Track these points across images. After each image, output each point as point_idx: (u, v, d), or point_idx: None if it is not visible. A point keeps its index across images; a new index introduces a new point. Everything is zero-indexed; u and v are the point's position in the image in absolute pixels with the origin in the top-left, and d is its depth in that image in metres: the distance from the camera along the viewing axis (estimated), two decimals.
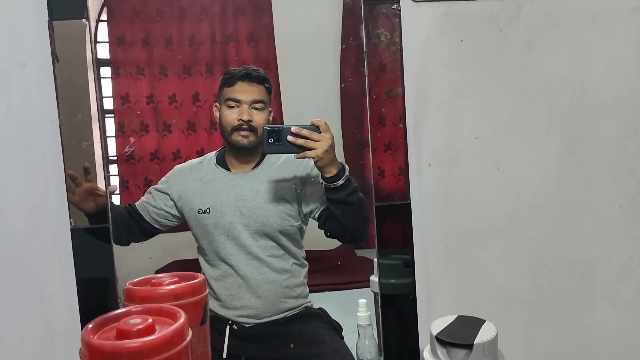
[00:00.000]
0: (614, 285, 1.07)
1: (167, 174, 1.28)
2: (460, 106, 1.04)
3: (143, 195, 1.27)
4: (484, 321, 0.69)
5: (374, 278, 1.08)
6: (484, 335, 0.65)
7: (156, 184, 1.28)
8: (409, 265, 0.97)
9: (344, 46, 1.39)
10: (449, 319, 0.71)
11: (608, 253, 1.07)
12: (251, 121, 1.21)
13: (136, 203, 1.26)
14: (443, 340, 0.65)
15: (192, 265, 1.27)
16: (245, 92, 1.21)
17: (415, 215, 0.97)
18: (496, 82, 1.03)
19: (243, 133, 1.21)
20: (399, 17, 0.95)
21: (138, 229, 1.24)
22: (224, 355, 1.17)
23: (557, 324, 1.07)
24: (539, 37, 1.03)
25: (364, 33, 0.93)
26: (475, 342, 0.64)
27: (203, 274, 1.24)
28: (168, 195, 1.25)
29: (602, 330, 1.08)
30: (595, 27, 1.03)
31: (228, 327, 1.21)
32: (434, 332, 0.67)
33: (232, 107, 1.21)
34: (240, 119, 1.20)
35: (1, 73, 0.98)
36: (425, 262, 1.02)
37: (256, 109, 1.22)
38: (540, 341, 1.07)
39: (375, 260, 1.06)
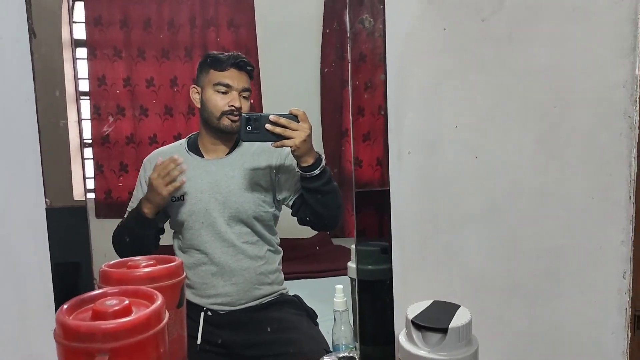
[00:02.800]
0: (584, 272, 1.10)
1: (141, 168, 1.27)
2: (440, 95, 1.04)
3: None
4: (459, 306, 0.71)
5: (352, 264, 1.09)
6: (459, 319, 0.66)
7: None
8: (387, 251, 0.98)
9: (327, 31, 1.38)
10: (425, 303, 0.72)
11: (580, 241, 1.09)
12: (241, 108, 1.20)
13: (128, 210, 1.25)
14: (418, 324, 0.66)
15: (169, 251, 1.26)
16: (236, 79, 1.21)
17: (394, 202, 0.98)
18: (477, 71, 1.04)
19: (233, 117, 1.21)
20: (383, 3, 0.95)
21: (146, 230, 1.23)
22: (199, 341, 1.17)
23: (530, 308, 1.09)
24: (520, 28, 1.04)
25: (347, 19, 0.93)
26: (450, 327, 0.65)
27: None
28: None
29: (572, 315, 1.11)
30: (576, 20, 1.05)
31: (202, 313, 1.20)
32: (410, 317, 0.68)
33: (222, 92, 1.21)
34: (232, 105, 1.20)
35: None
36: (403, 248, 1.03)
37: (244, 97, 1.22)
38: (513, 325, 1.10)
39: (353, 246, 1.06)
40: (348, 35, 0.95)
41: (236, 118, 1.20)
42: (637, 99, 1.06)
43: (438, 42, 1.03)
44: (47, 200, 0.90)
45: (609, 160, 1.07)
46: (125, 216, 1.25)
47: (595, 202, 1.08)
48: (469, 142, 1.05)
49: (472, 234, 1.06)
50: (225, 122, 1.21)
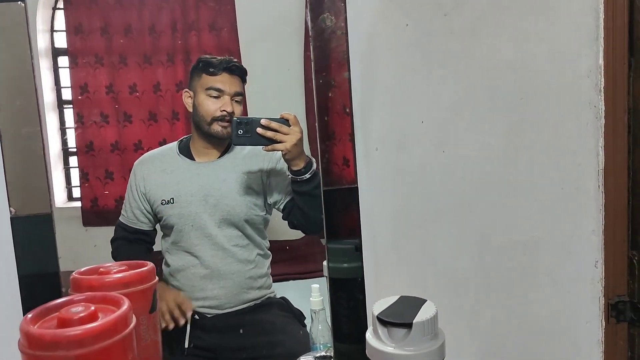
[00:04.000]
0: (556, 263, 1.09)
1: (131, 174, 1.26)
2: (406, 90, 1.03)
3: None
4: (425, 300, 0.70)
5: (326, 263, 1.08)
6: (424, 314, 0.65)
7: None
8: (358, 249, 0.97)
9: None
10: (392, 299, 0.71)
11: (551, 233, 1.08)
12: (233, 113, 1.20)
13: (121, 220, 1.25)
14: (383, 320, 0.66)
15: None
16: (228, 83, 1.21)
17: (363, 199, 0.97)
18: (441, 66, 1.03)
19: (223, 124, 1.21)
20: (344, 1, 0.94)
21: (142, 242, 1.25)
22: (186, 345, 1.17)
23: (502, 301, 1.09)
24: (483, 21, 1.03)
25: (309, 17, 0.93)
26: (414, 321, 0.64)
27: (166, 264, 1.24)
28: (141, 192, 1.24)
29: (544, 307, 1.10)
30: (539, 12, 1.04)
31: (190, 317, 1.20)
32: (375, 312, 0.67)
33: (214, 97, 1.21)
34: (224, 110, 1.20)
35: None
36: (374, 245, 1.02)
37: (236, 101, 1.22)
38: (486, 318, 1.09)
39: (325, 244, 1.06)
40: (310, 34, 0.94)
41: (227, 124, 1.20)
42: (602, 89, 1.05)
43: (401, 38, 1.02)
44: (11, 209, 0.90)
45: (576, 151, 1.07)
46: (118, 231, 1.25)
47: (565, 193, 1.07)
48: (436, 137, 1.04)
49: (443, 229, 1.05)
50: (216, 128, 1.21)
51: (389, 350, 0.65)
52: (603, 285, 1.09)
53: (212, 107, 1.21)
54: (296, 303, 1.29)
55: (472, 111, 1.04)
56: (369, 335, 0.69)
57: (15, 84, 0.87)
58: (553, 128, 1.06)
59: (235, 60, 1.25)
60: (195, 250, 1.21)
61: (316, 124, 0.93)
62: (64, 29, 1.34)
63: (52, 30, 1.29)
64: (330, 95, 0.93)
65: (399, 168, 1.03)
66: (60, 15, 1.34)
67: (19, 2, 0.82)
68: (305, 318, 1.25)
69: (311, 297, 1.10)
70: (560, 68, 1.05)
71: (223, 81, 1.21)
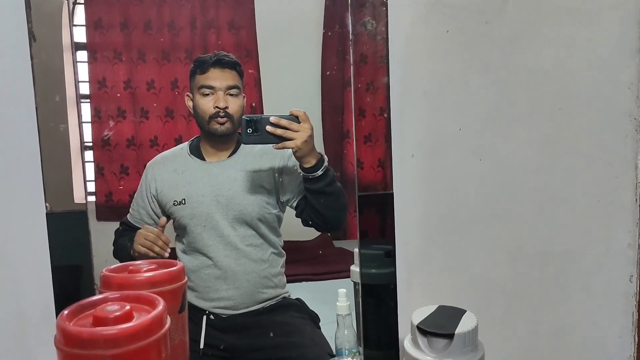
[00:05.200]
0: (590, 276, 1.09)
1: (143, 174, 1.26)
2: (444, 97, 1.04)
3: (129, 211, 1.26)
4: (465, 311, 0.70)
5: (355, 268, 1.08)
6: (465, 325, 0.65)
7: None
8: (390, 255, 0.97)
9: (330, 36, 1.38)
10: (430, 308, 0.71)
11: (585, 245, 1.08)
12: (227, 108, 1.19)
13: (128, 218, 1.25)
14: (424, 329, 0.65)
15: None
16: (218, 78, 1.20)
17: (397, 205, 0.97)
18: (480, 74, 1.03)
19: (220, 120, 1.20)
20: (386, 5, 0.94)
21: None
22: (201, 346, 1.17)
23: (534, 313, 1.09)
24: (523, 30, 1.03)
25: (350, 21, 0.93)
26: (456, 332, 0.64)
27: None
28: (151, 193, 1.23)
29: (577, 320, 1.10)
30: (579, 22, 1.04)
31: (205, 317, 1.20)
32: (415, 322, 0.67)
33: (207, 94, 1.20)
34: (217, 106, 1.19)
35: None
36: (407, 252, 1.02)
37: (231, 95, 1.20)
38: (518, 330, 1.09)
39: (356, 250, 1.06)
40: (350, 37, 0.94)
41: (224, 120, 1.19)
42: None
43: (441, 44, 1.02)
44: (47, 204, 0.90)
45: (614, 163, 1.07)
46: (120, 229, 1.25)
47: (601, 205, 1.07)
48: (473, 144, 1.05)
49: (477, 238, 1.06)
50: (214, 126, 1.20)
51: None
52: (637, 300, 1.09)
53: (206, 105, 1.20)
54: (309, 304, 1.29)
55: (510, 120, 1.04)
56: (407, 344, 0.68)
57: (52, 80, 0.87)
58: (591, 139, 1.06)
59: (224, 53, 1.22)
60: (208, 250, 1.20)
61: (352, 129, 0.93)
62: (83, 24, 1.33)
63: (72, 25, 1.28)
64: (368, 99, 0.93)
65: (435, 175, 1.04)
66: (80, 10, 1.33)
67: None
68: (320, 320, 1.25)
69: (338, 301, 1.10)
70: (601, 79, 1.05)
71: (213, 77, 1.20)
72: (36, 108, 0.91)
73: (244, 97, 1.24)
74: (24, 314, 0.97)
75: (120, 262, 1.04)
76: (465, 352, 0.64)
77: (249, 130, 1.05)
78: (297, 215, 1.23)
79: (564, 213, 1.07)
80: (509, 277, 1.07)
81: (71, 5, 1.28)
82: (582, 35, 1.04)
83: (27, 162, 0.93)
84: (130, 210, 1.25)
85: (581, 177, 1.07)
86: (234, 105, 1.20)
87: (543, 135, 1.06)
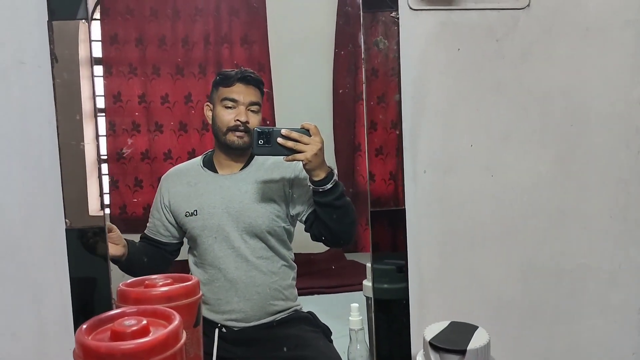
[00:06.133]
0: (603, 292, 1.09)
1: (158, 186, 1.28)
2: (456, 114, 1.05)
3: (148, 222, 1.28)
4: (477, 327, 0.70)
5: (367, 283, 1.09)
6: (477, 341, 0.66)
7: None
8: (402, 270, 0.97)
9: (341, 52, 1.39)
10: (442, 324, 0.72)
11: (598, 261, 1.08)
12: (248, 122, 1.21)
13: (145, 232, 1.27)
14: (436, 345, 0.66)
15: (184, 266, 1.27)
16: (242, 93, 1.22)
17: (409, 221, 0.98)
18: (492, 91, 1.04)
19: (238, 134, 1.21)
20: (398, 24, 0.95)
21: (162, 253, 1.26)
22: (214, 359, 1.17)
23: (548, 330, 1.08)
24: (534, 48, 1.04)
25: (362, 40, 0.94)
26: (468, 348, 0.64)
27: None
28: (164, 204, 1.24)
29: (590, 337, 1.10)
30: (590, 40, 1.05)
31: (217, 330, 1.20)
32: (428, 338, 0.67)
33: (229, 107, 1.22)
34: (238, 120, 1.21)
35: (1, 71, 0.97)
36: (419, 268, 1.03)
37: (252, 111, 1.23)
38: (531, 347, 1.09)
39: (368, 265, 1.06)
40: (362, 55, 0.96)
41: (242, 134, 1.21)
42: None
43: (453, 62, 1.04)
44: (67, 221, 0.91)
45: (626, 179, 1.07)
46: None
47: (614, 221, 1.07)
48: (485, 161, 1.05)
49: (490, 254, 1.06)
50: (231, 138, 1.22)
51: None
52: None
53: (227, 117, 1.22)
54: (320, 317, 1.29)
55: (522, 137, 1.04)
56: (419, 359, 0.69)
57: (73, 99, 0.89)
58: (603, 156, 1.06)
59: (251, 70, 1.25)
60: (219, 262, 1.21)
61: (365, 142, 0.94)
62: (99, 39, 1.35)
63: (90, 41, 1.30)
64: (380, 114, 0.94)
65: (447, 191, 1.04)
66: (95, 26, 1.35)
67: (83, 21, 0.85)
68: (331, 333, 1.25)
69: (350, 316, 1.10)
70: (612, 95, 1.06)
71: (238, 91, 1.22)
72: (57, 126, 0.93)
73: (267, 121, 1.26)
74: (44, 327, 0.98)
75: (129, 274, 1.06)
76: None
77: (260, 142, 1.07)
78: (306, 230, 1.24)
79: (576, 229, 1.07)
80: (522, 293, 1.07)
81: (90, 22, 1.31)
82: (592, 53, 1.05)
83: (48, 179, 0.95)
84: (147, 223, 1.26)
85: (593, 193, 1.07)
86: (254, 120, 1.22)
87: (555, 151, 1.06)
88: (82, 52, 1.17)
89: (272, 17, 1.41)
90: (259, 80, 1.25)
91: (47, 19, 0.94)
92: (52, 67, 0.93)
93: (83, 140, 0.89)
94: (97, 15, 1.35)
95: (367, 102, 1.00)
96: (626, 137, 1.06)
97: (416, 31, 1.02)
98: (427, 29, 1.03)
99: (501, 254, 1.06)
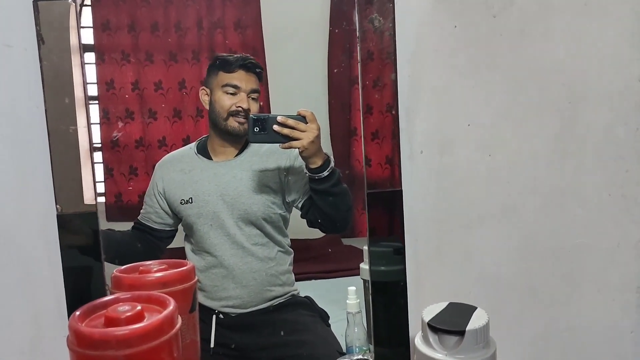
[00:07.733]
0: (602, 271, 1.09)
1: (153, 173, 1.28)
2: (452, 93, 1.04)
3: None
4: (476, 308, 0.70)
5: (364, 266, 1.08)
6: (476, 321, 0.65)
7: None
8: (400, 252, 0.97)
9: (336, 31, 1.38)
10: (441, 305, 0.71)
11: (596, 240, 1.08)
12: (249, 109, 1.20)
13: (139, 217, 1.27)
14: (435, 326, 0.65)
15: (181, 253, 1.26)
16: (244, 80, 1.22)
17: (406, 202, 0.97)
18: (489, 68, 1.03)
19: (239, 119, 1.21)
20: (393, 2, 0.94)
21: (154, 240, 1.25)
22: (212, 345, 1.17)
23: (547, 309, 1.09)
24: (532, 24, 1.03)
25: (357, 19, 0.93)
26: (467, 329, 0.64)
27: None
28: (158, 191, 1.24)
29: (589, 316, 1.10)
30: (589, 15, 1.04)
31: (214, 316, 1.20)
32: (426, 319, 0.67)
33: (231, 93, 1.21)
34: (240, 106, 1.20)
35: None
36: (416, 249, 1.03)
37: (252, 98, 1.22)
38: (530, 326, 1.09)
39: (365, 247, 1.06)
40: (357, 34, 0.94)
41: (243, 120, 1.21)
42: None
43: (449, 39, 1.02)
44: (58, 207, 0.91)
45: (625, 156, 1.06)
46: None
47: (612, 199, 1.06)
48: (483, 140, 1.04)
49: (487, 234, 1.05)
50: (232, 124, 1.21)
51: (439, 358, 0.65)
52: None
53: (228, 102, 1.21)
54: (318, 302, 1.29)
55: (520, 114, 1.04)
56: (418, 341, 0.69)
57: (61, 82, 0.88)
58: (601, 133, 1.05)
59: (252, 57, 1.25)
60: (215, 250, 1.21)
61: (361, 125, 0.93)
62: (91, 26, 1.34)
63: (79, 27, 1.29)
64: (375, 96, 0.93)
65: (444, 171, 1.04)
66: (87, 12, 1.34)
67: (69, 0, 0.83)
68: (329, 317, 1.25)
69: (347, 299, 1.10)
70: (610, 71, 1.04)
71: (239, 78, 1.22)
72: (46, 110, 0.92)
73: (260, 103, 1.26)
74: (38, 315, 0.98)
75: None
76: (477, 349, 0.64)
77: (256, 129, 1.06)
78: (302, 216, 1.24)
79: (574, 208, 1.07)
80: (520, 273, 1.07)
81: (78, 8, 1.29)
82: (592, 28, 1.04)
83: (38, 165, 0.94)
84: (141, 210, 1.26)
85: (592, 171, 1.06)
86: (254, 108, 1.22)
87: (553, 129, 1.05)
88: (73, 39, 1.16)
89: (266, 1, 1.39)
90: (260, 67, 1.25)
91: (32, 0, 0.92)
92: (39, 49, 0.92)
93: (74, 125, 0.88)
94: (87, 1, 1.33)
95: (363, 82, 0.98)
96: (625, 113, 1.05)
97: (411, 9, 1.00)
98: (422, 6, 1.02)
99: (499, 233, 1.06)
